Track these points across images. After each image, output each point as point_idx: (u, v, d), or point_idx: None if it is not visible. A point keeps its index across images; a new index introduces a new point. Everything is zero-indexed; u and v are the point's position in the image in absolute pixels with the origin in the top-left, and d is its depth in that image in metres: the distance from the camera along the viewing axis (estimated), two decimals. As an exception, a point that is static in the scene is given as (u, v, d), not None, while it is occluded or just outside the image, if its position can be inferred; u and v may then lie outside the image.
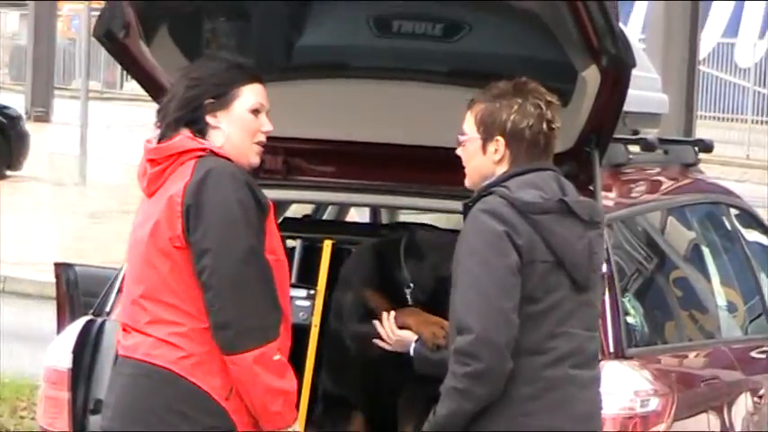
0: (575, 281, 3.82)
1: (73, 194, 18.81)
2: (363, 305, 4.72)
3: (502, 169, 3.87)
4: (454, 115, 4.07)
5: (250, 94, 3.92)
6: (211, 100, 3.88)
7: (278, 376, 3.85)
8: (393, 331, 4.49)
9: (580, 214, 3.85)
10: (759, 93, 27.18)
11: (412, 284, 4.71)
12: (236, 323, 3.77)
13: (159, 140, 3.93)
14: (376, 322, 4.51)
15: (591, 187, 4.49)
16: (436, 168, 4.81)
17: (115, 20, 4.49)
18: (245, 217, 3.80)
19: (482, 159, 3.91)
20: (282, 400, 3.88)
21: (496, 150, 3.85)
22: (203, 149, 3.84)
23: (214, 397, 3.83)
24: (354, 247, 5.34)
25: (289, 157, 5.05)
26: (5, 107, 20.21)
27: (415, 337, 4.41)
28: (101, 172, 18.95)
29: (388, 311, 4.52)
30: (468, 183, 3.98)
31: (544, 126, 3.85)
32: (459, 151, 3.96)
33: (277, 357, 3.83)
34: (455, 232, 4.12)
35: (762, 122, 25.25)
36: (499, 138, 3.84)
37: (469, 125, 3.91)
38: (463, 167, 3.96)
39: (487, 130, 3.87)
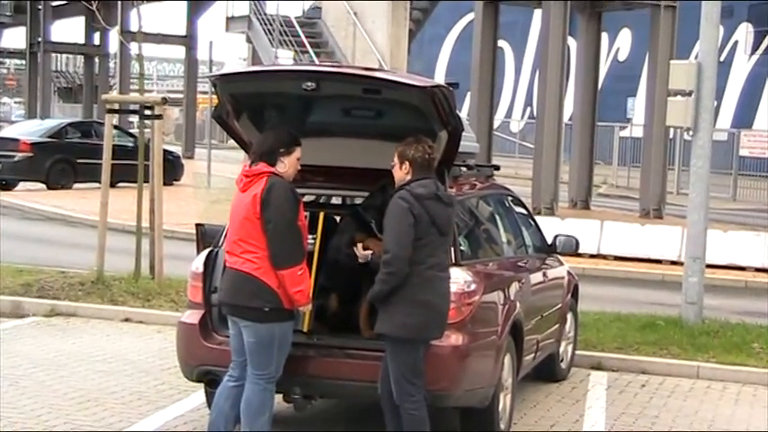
0: (440, 231, 7.22)
1: (203, 192, 29.18)
2: (350, 240, 8.11)
3: (408, 177, 7.27)
4: (383, 154, 7.70)
5: (299, 151, 7.46)
6: (282, 150, 7.35)
7: (299, 282, 7.25)
8: (361, 251, 7.80)
9: (444, 199, 7.29)
10: (523, 145, 45.95)
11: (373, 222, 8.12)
12: (280, 255, 7.19)
13: (250, 166, 7.41)
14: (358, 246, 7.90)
15: (446, 187, 7.71)
16: (371, 176, 8.22)
17: (221, 111, 8.25)
18: (289, 206, 7.22)
19: (400, 173, 7.33)
20: (301, 292, 7.27)
21: (407, 169, 7.27)
22: (271, 172, 7.27)
23: (272, 287, 7.20)
24: (334, 215, 8.99)
25: (302, 173, 7.83)
26: (172, 152, 32.10)
27: (370, 252, 7.72)
28: (217, 181, 30.43)
29: (361, 242, 7.93)
30: (396, 184, 7.34)
31: (428, 157, 7.31)
32: (393, 170, 7.37)
33: (300, 272, 7.26)
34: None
35: (525, 158, 40.64)
36: (407, 162, 7.26)
37: (396, 157, 7.33)
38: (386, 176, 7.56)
39: (402, 159, 7.29)
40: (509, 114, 55.48)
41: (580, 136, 29.96)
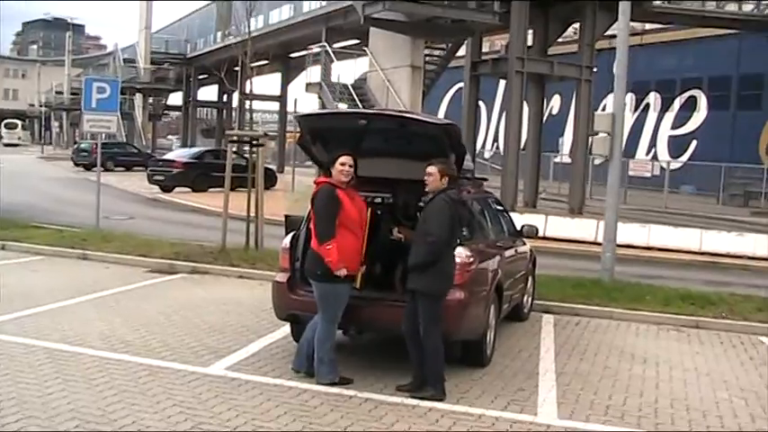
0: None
1: (289, 194, 26.08)
2: (389, 230, 7.52)
3: (444, 186, 6.58)
4: (411, 168, 7.25)
5: (339, 161, 6.73)
6: (329, 164, 6.76)
7: (329, 254, 6.52)
8: (397, 234, 7.32)
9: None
10: (493, 167, 39.48)
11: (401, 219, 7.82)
12: (317, 235, 6.59)
13: (319, 176, 6.89)
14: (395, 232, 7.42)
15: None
16: (402, 184, 7.86)
17: (303, 140, 7.60)
18: (323, 203, 6.61)
19: (439, 183, 6.56)
20: (331, 261, 6.51)
21: (445, 181, 6.57)
22: (325, 181, 6.72)
23: (322, 256, 6.53)
24: (378, 210, 8.03)
25: (358, 180, 7.06)
26: (269, 168, 29.19)
27: (402, 236, 7.25)
28: (298, 187, 27.18)
29: (396, 228, 7.46)
30: (428, 189, 6.61)
31: (455, 174, 6.79)
32: (427, 179, 6.59)
33: (329, 246, 6.52)
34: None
35: (494, 175, 37.31)
36: (447, 177, 6.58)
37: (437, 172, 6.57)
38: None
39: (443, 174, 6.58)
40: (483, 147, 54.69)
41: (530, 161, 29.18)
